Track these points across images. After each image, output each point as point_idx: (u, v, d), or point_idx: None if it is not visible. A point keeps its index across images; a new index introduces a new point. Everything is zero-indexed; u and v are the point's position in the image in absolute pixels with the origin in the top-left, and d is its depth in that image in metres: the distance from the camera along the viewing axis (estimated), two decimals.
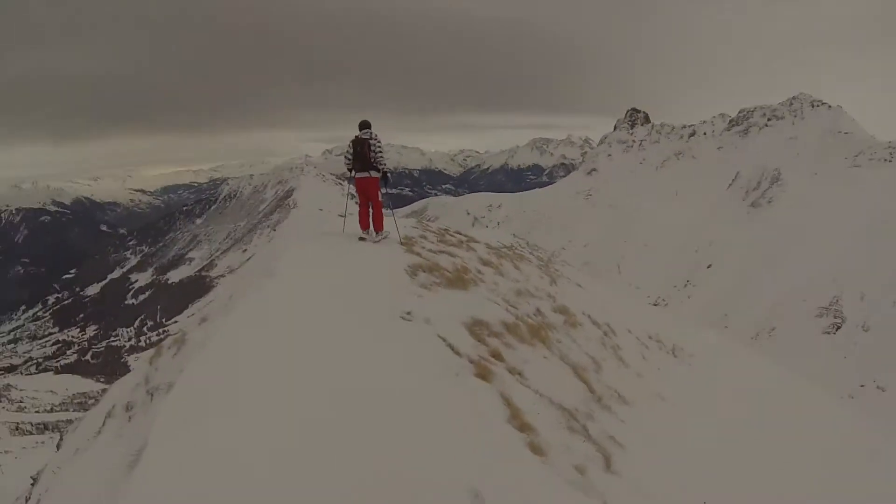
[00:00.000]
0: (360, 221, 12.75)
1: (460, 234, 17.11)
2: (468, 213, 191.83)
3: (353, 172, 12.35)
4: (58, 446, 10.65)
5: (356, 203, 13.12)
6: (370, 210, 12.69)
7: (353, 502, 3.84)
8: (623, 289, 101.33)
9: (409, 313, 7.22)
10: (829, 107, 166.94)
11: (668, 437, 7.84)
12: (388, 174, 12.54)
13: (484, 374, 6.10)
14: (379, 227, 12.82)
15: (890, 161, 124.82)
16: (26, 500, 8.98)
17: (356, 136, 12.16)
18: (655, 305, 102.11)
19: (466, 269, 11.67)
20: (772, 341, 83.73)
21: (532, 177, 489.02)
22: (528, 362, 7.39)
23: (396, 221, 13.97)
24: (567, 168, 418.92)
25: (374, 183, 12.41)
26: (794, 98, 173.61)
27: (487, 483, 4.31)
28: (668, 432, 8.04)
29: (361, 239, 12.62)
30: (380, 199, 12.73)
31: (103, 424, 7.50)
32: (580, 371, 8.47)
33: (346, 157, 12.40)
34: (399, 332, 6.73)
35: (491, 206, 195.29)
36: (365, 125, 12.26)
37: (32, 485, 9.29)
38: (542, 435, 5.47)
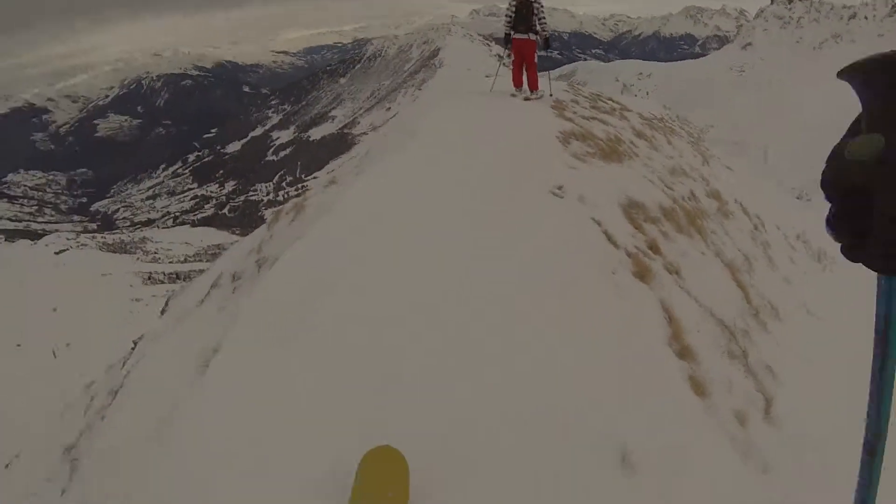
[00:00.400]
0: (513, 79, 12.48)
1: (612, 100, 15.81)
2: (617, 80, 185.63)
3: (513, 33, 11.89)
4: (162, 311, 10.45)
5: (504, 65, 13.13)
6: (524, 71, 12.31)
7: (476, 445, 3.11)
8: (768, 178, 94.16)
9: (560, 188, 6.26)
10: None
11: (823, 364, 6.75)
12: (549, 38, 12.14)
13: (643, 274, 5.15)
14: (534, 87, 12.37)
15: None
16: (123, 365, 8.87)
17: None
18: (798, 199, 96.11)
19: (620, 140, 10.58)
20: None
21: (685, 47, 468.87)
22: (685, 256, 6.37)
23: (550, 83, 13.43)
24: (720, 40, 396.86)
25: (533, 45, 11.98)
26: None
27: (639, 438, 3.38)
28: (821, 357, 6.96)
29: (513, 95, 12.45)
30: (535, 61, 12.29)
31: (208, 294, 7.09)
32: (735, 273, 7.43)
33: (506, 16, 11.93)
34: (548, 211, 5.79)
35: (641, 74, 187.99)
36: None
37: (132, 349, 9.15)
38: (703, 364, 4.46)
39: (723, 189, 11.87)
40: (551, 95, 12.93)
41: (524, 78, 12.40)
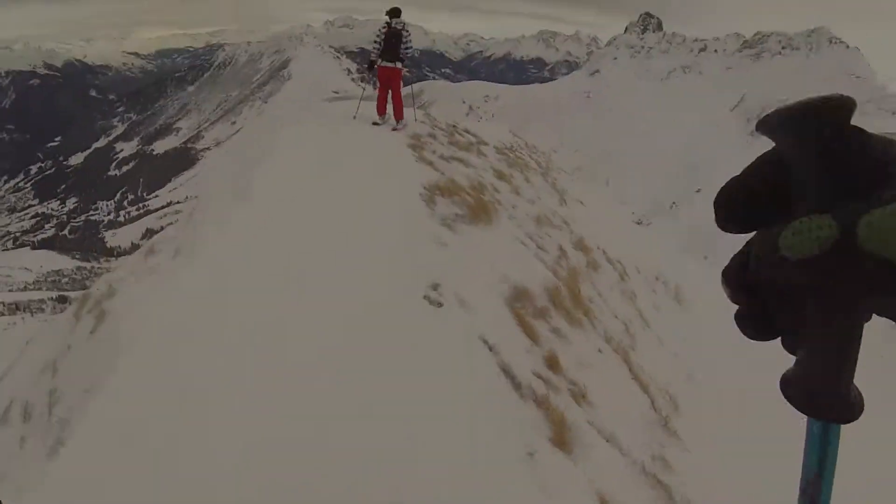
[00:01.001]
0: (377, 107, 12.39)
1: (469, 133, 15.08)
2: (464, 102, 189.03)
3: (380, 61, 11.88)
4: None
5: (364, 98, 12.94)
6: (389, 98, 12.26)
7: None
8: (610, 204, 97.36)
9: (436, 288, 4.87)
10: (847, 46, 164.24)
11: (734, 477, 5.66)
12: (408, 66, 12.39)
13: (563, 438, 3.76)
14: (399, 116, 12.29)
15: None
16: None
17: (389, 26, 11.79)
18: (639, 223, 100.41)
19: (484, 187, 9.74)
20: None
21: (534, 70, 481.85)
22: (586, 367, 5.19)
23: (416, 114, 13.58)
24: (571, 66, 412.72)
25: (399, 73, 12.02)
26: (813, 31, 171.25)
27: None
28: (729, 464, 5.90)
29: (375, 124, 12.24)
30: (401, 89, 12.27)
31: None
32: (632, 367, 6.39)
33: (374, 43, 11.92)
34: (425, 333, 4.39)
35: (488, 96, 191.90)
36: (396, 13, 11.91)
37: None
38: None
39: (585, 233, 11.30)
40: (416, 120, 13.00)
41: (389, 107, 12.32)
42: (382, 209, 6.72)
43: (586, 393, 4.69)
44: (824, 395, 0.52)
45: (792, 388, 0.55)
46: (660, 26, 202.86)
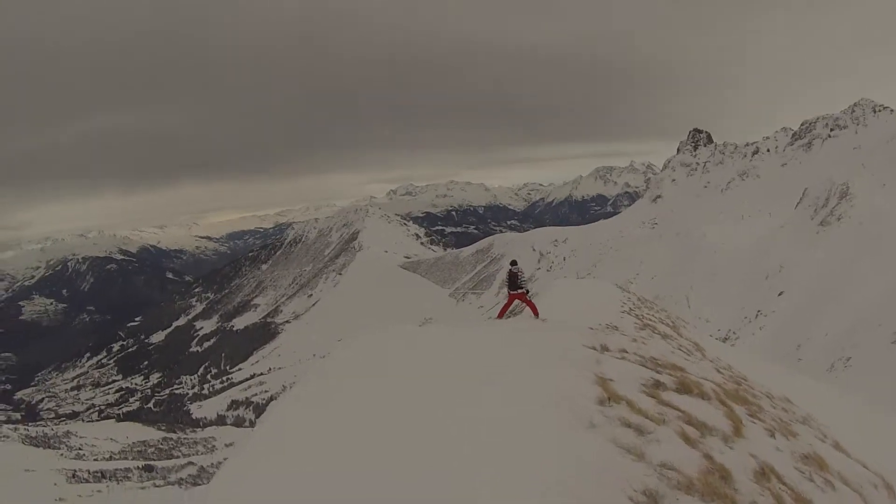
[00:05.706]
0: (499, 313, 18.55)
1: (665, 365, 11.00)
2: (534, 249, 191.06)
3: (509, 290, 17.15)
4: None
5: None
6: (525, 307, 17.67)
7: None
8: (695, 321, 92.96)
9: None
10: (892, 111, 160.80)
11: None
12: (528, 290, 17.40)
13: None
14: (536, 313, 17.12)
15: None
16: None
17: (510, 270, 17.10)
18: (726, 340, 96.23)
19: None
20: (848, 372, 75.61)
21: (596, 207, 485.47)
22: None
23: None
24: (631, 196, 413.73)
25: (523, 295, 16.97)
26: (855, 105, 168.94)
27: None
28: None
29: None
30: (529, 299, 17.21)
31: None
32: None
33: (504, 282, 16.87)
34: None
35: (556, 240, 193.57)
36: (514, 263, 17.28)
37: None
38: None
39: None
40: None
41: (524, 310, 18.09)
42: None
43: None
44: None
45: None
46: (710, 139, 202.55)
